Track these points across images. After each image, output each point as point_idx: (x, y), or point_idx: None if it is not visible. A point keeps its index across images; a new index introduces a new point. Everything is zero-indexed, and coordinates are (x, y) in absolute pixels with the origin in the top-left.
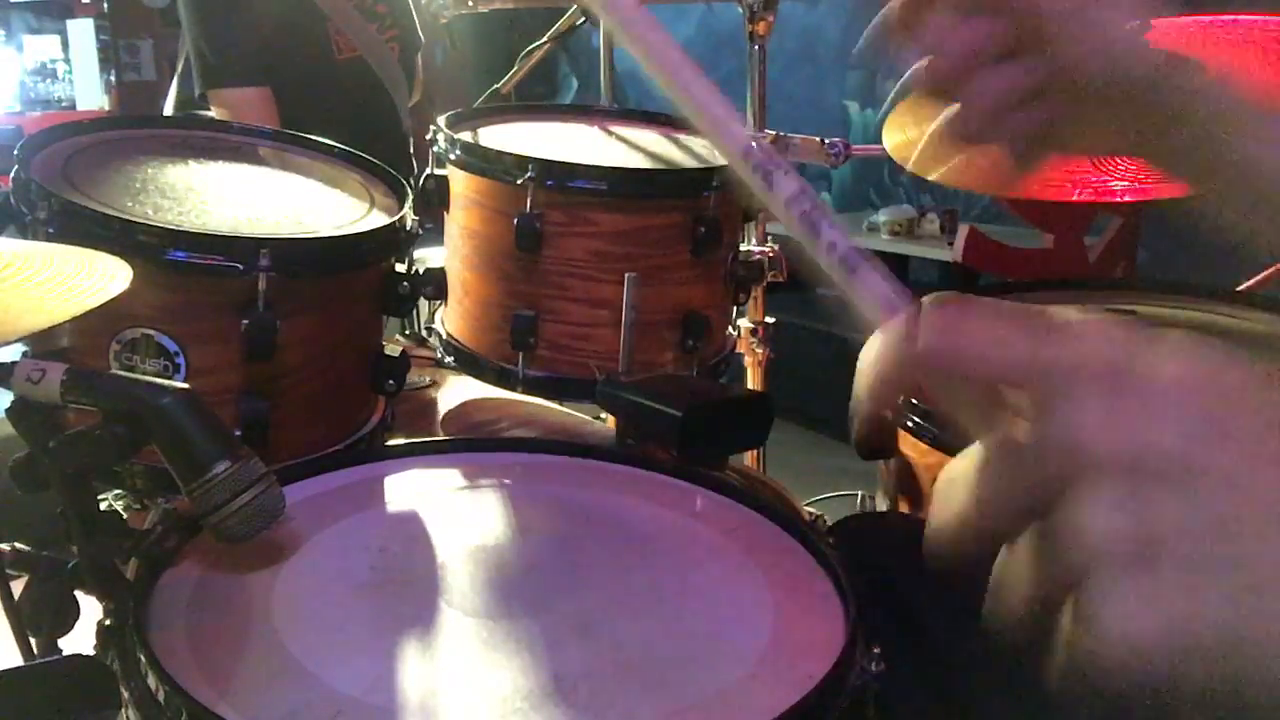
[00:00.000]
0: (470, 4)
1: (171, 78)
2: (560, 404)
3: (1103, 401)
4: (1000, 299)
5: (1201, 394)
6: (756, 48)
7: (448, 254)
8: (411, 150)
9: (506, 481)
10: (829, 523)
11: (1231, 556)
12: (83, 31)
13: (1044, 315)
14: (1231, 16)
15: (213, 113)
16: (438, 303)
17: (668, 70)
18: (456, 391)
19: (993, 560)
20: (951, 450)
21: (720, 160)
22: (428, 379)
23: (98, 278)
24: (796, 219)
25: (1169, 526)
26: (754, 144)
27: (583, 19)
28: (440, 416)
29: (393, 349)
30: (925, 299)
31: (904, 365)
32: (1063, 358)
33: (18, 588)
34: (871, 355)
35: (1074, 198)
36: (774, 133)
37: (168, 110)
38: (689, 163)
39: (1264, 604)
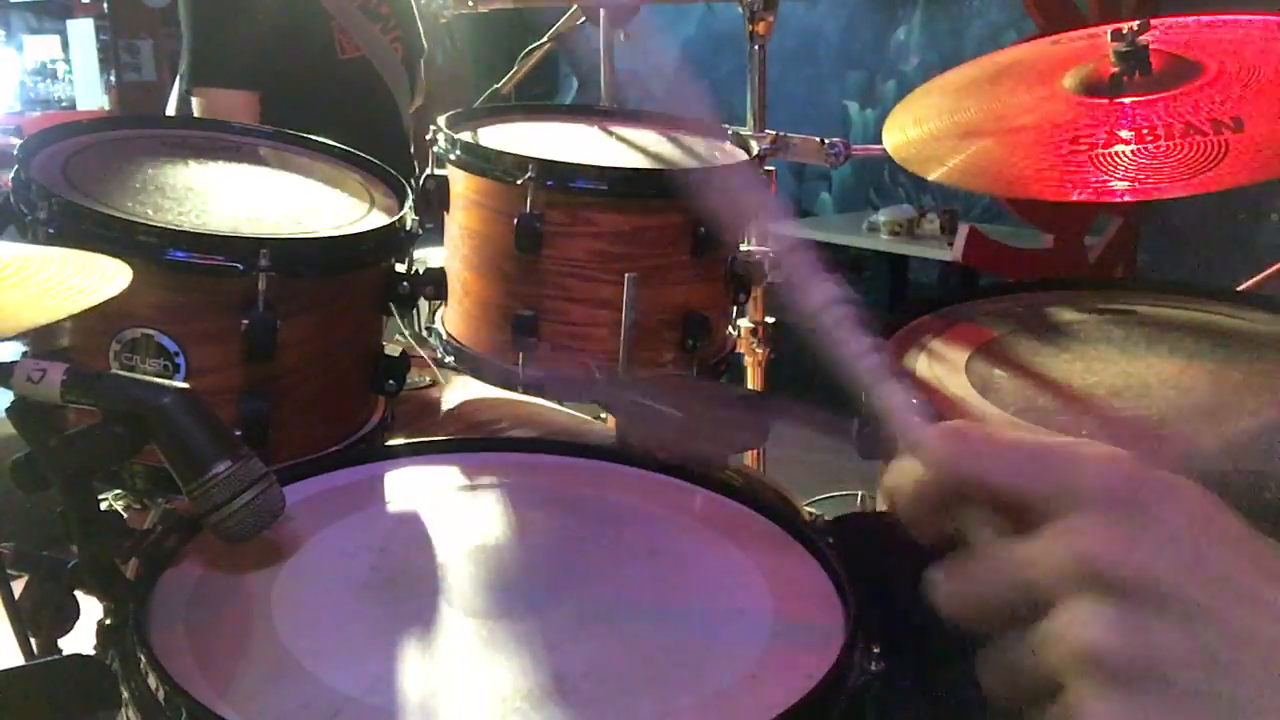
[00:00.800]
0: (470, 4)
1: (173, 78)
2: (560, 404)
3: (1111, 523)
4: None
5: (1206, 538)
6: (756, 48)
7: (448, 254)
8: (411, 150)
9: (506, 481)
10: (829, 521)
11: (1225, 696)
12: (83, 31)
13: (1055, 442)
14: (1231, 16)
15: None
16: (438, 303)
17: None
18: (457, 391)
19: None
20: None
21: (720, 160)
22: (428, 379)
23: (97, 278)
24: (831, 324)
25: (1165, 654)
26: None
27: (583, 19)
28: (439, 416)
29: (393, 349)
30: (941, 426)
31: (923, 490)
32: (1076, 478)
33: (18, 588)
34: (892, 480)
35: (1074, 198)
36: (774, 133)
37: (170, 111)
38: (689, 163)
39: None
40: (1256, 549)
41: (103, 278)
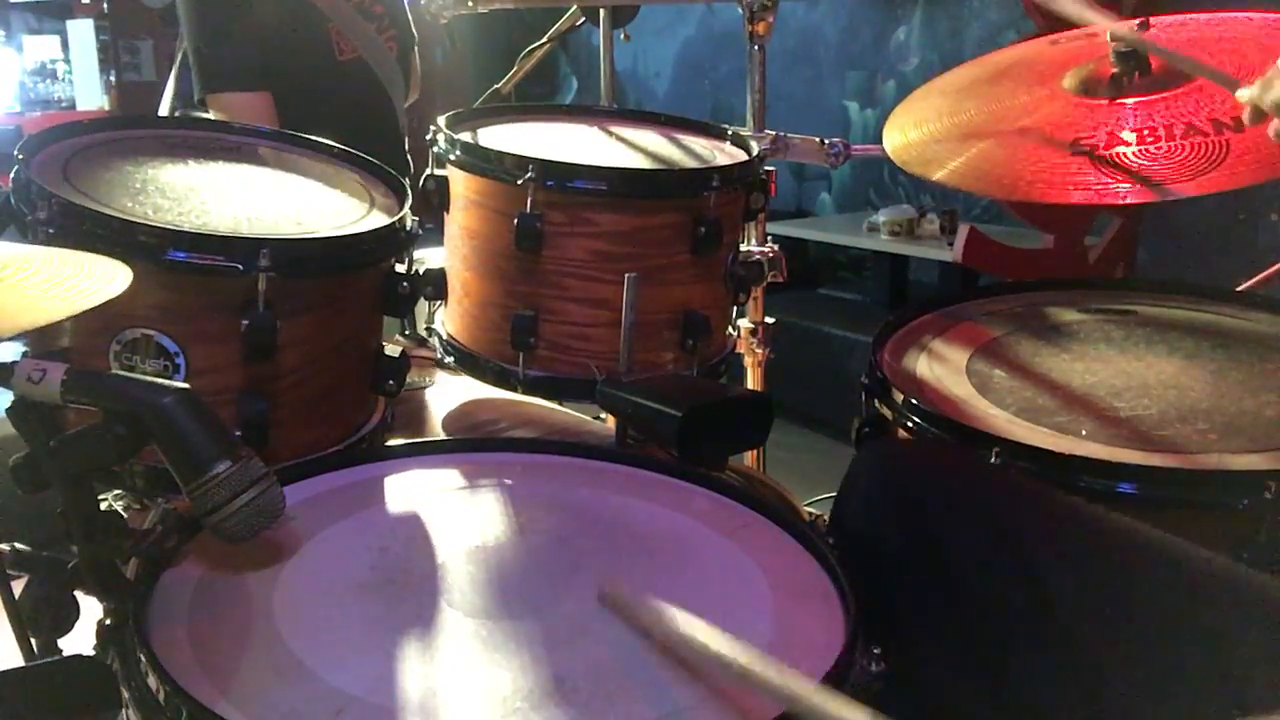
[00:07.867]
0: (470, 4)
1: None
2: (560, 404)
3: None
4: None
5: None
6: (756, 48)
7: (448, 254)
8: (406, 149)
9: (506, 481)
10: (827, 521)
11: None
12: (83, 31)
13: None
14: (1231, 14)
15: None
16: (438, 303)
17: None
18: (456, 391)
19: None
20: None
21: (720, 160)
22: (426, 379)
23: (97, 278)
24: None
25: None
26: None
27: (583, 19)
28: (439, 416)
29: (393, 349)
30: None
31: None
32: None
33: (18, 588)
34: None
35: (1074, 200)
36: (774, 133)
37: (164, 108)
38: (689, 163)
39: None
40: None
41: (102, 278)
